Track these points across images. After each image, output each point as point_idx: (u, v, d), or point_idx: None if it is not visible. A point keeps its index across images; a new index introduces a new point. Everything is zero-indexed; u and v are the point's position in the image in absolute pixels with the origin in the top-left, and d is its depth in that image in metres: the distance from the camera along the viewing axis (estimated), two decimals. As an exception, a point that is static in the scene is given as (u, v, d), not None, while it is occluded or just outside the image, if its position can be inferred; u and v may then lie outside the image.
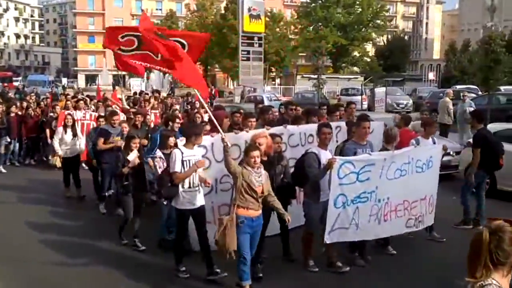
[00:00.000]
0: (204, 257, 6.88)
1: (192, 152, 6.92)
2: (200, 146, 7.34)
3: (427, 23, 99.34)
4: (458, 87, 38.85)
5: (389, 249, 7.85)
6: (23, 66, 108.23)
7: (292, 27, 66.11)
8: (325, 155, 7.02)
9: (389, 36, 71.27)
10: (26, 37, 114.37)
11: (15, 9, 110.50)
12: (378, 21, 62.43)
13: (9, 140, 15.05)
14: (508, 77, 29.88)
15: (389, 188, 7.26)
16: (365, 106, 33.74)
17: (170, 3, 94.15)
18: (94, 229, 9.30)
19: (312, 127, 8.32)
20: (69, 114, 12.54)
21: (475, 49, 63.12)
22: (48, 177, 13.49)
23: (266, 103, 30.14)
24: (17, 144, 15.72)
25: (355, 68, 68.34)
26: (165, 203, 8.04)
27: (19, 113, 15.84)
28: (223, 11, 64.61)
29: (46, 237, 8.88)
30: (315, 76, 34.51)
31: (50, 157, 13.76)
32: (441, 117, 18.67)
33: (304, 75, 52.15)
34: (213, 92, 30.95)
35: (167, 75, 62.89)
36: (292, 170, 7.55)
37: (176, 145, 7.79)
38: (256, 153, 6.25)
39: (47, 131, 14.86)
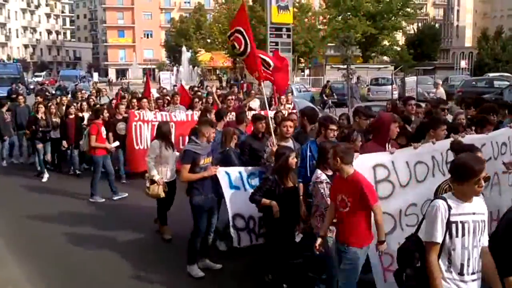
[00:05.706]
0: None
1: (470, 208, 3.72)
2: (377, 166, 5.36)
3: (458, 10, 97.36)
4: (491, 74, 38.27)
5: None
6: (55, 61, 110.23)
7: (321, 17, 65.51)
8: None
9: (420, 24, 70.00)
10: (57, 33, 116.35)
11: (46, 5, 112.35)
12: (408, 9, 61.30)
13: (66, 145, 12.81)
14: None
15: None
16: (395, 96, 33.40)
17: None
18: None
19: (506, 133, 6.53)
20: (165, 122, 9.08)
21: (508, 36, 61.89)
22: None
23: (295, 94, 30.10)
24: (76, 151, 12.96)
25: (385, 58, 67.55)
26: None
27: (79, 114, 13.25)
28: (251, 3, 64.51)
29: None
30: (344, 67, 34.13)
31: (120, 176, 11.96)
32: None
33: (333, 66, 51.81)
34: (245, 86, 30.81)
35: (196, 67, 63.40)
36: None
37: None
38: None
39: (110, 135, 11.64)
